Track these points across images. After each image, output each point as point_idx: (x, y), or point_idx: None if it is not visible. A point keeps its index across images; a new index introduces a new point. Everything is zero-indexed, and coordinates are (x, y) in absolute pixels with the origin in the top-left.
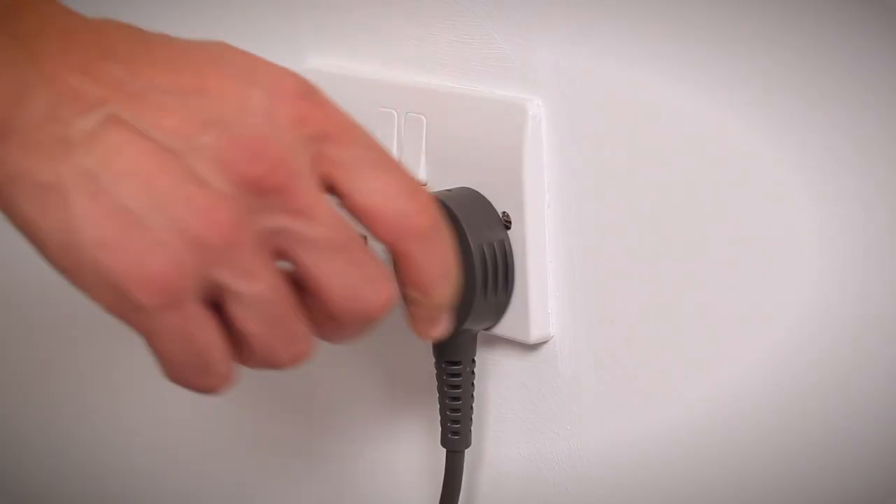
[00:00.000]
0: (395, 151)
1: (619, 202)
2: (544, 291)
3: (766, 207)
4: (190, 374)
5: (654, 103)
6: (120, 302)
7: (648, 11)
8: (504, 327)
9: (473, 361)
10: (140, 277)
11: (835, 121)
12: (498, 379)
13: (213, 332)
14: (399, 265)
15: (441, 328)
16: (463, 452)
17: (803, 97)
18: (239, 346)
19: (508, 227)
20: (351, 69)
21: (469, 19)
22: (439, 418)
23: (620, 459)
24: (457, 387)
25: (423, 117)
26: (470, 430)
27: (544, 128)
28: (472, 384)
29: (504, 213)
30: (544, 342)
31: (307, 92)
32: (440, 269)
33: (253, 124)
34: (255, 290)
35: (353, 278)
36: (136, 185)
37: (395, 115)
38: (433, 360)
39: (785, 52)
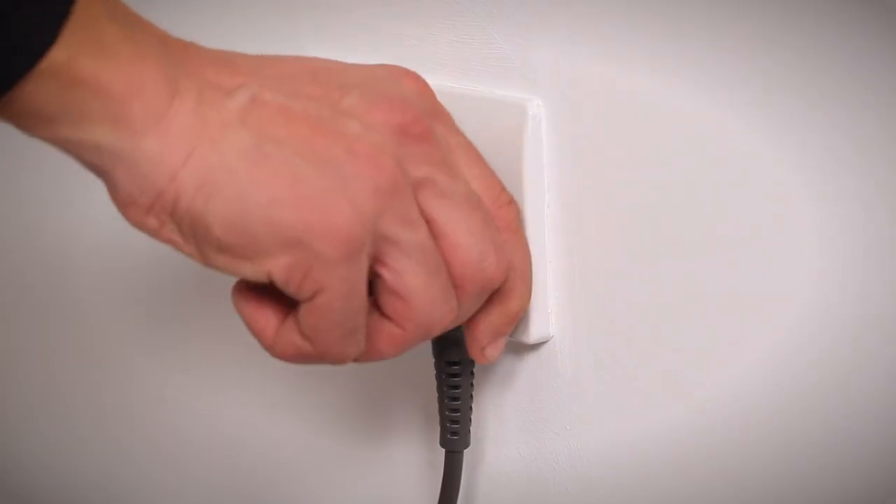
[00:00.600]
0: None
1: (619, 202)
2: (544, 291)
3: (766, 207)
4: (336, 338)
5: (654, 103)
6: (299, 259)
7: (648, 11)
8: None
9: (472, 362)
10: (325, 226)
11: (835, 121)
12: (498, 379)
13: (366, 295)
14: None
15: (499, 348)
16: (462, 453)
17: (803, 97)
18: (395, 311)
19: None
20: None
21: (469, 19)
22: (438, 418)
23: (620, 459)
24: (456, 387)
25: None
26: (469, 431)
27: (544, 128)
28: (472, 384)
29: None
30: (544, 342)
31: (418, 76)
32: (521, 264)
33: (388, 87)
34: (419, 237)
35: (483, 239)
36: (296, 145)
37: None
38: (433, 360)
39: (785, 52)
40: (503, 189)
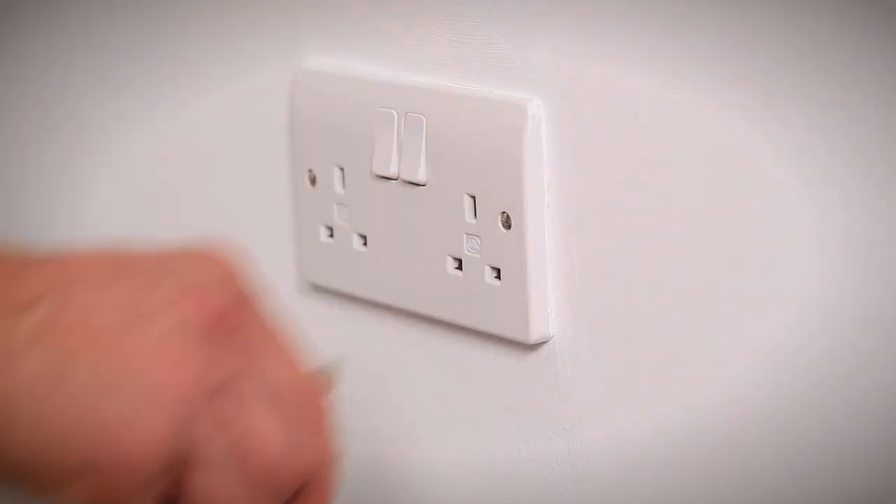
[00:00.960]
0: (394, 151)
1: (619, 202)
2: (544, 291)
3: (766, 207)
4: None
5: (654, 103)
6: (98, 487)
7: (648, 11)
8: (504, 327)
9: None
10: (122, 454)
11: (835, 121)
12: (498, 379)
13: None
14: None
15: None
16: None
17: (803, 97)
18: None
19: (508, 228)
20: (351, 69)
21: (469, 19)
22: None
23: (620, 459)
24: None
25: (423, 117)
26: None
27: (544, 128)
28: None
29: (504, 213)
30: (544, 342)
31: (224, 259)
32: (327, 458)
33: (192, 275)
34: (224, 444)
35: (284, 440)
36: (94, 362)
37: (395, 115)
38: None
39: (785, 52)
40: (312, 381)
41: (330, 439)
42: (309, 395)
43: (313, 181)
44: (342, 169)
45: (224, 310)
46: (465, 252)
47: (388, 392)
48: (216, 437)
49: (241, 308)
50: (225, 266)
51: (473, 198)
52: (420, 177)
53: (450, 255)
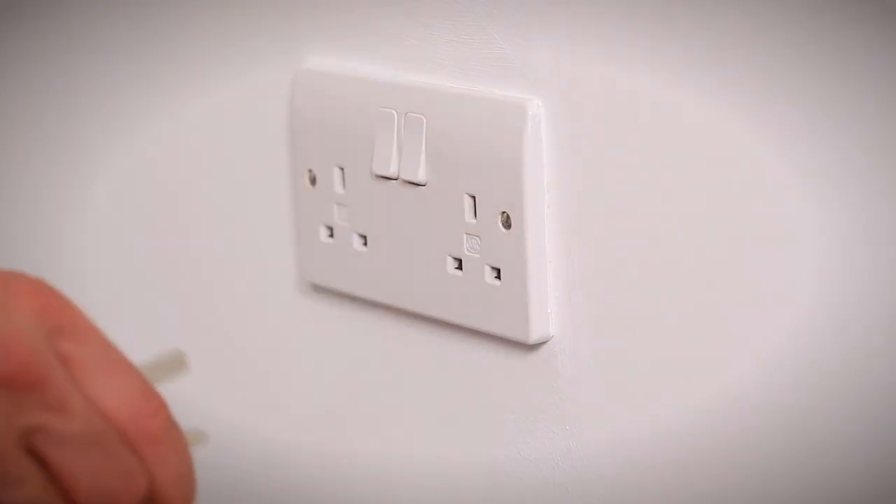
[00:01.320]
0: (394, 151)
1: (619, 202)
2: (544, 291)
3: (767, 207)
4: None
5: (654, 103)
6: None
7: (648, 11)
8: (504, 327)
9: None
10: None
11: (835, 120)
12: (498, 379)
13: None
14: None
15: None
16: None
17: (803, 96)
18: None
19: (508, 228)
20: (351, 69)
21: (469, 19)
22: None
23: (620, 459)
24: None
25: (423, 117)
26: None
27: (544, 128)
28: None
29: (504, 213)
30: (544, 342)
31: (41, 284)
32: (173, 473)
33: None
34: (28, 493)
35: (104, 474)
36: None
37: (395, 115)
38: None
39: (785, 52)
40: (148, 397)
41: (176, 447)
42: (149, 412)
43: (313, 181)
44: (342, 169)
45: (23, 363)
46: (465, 252)
47: (388, 392)
48: (34, 477)
49: (60, 337)
50: (42, 297)
51: (473, 198)
52: (420, 177)
53: (450, 255)
